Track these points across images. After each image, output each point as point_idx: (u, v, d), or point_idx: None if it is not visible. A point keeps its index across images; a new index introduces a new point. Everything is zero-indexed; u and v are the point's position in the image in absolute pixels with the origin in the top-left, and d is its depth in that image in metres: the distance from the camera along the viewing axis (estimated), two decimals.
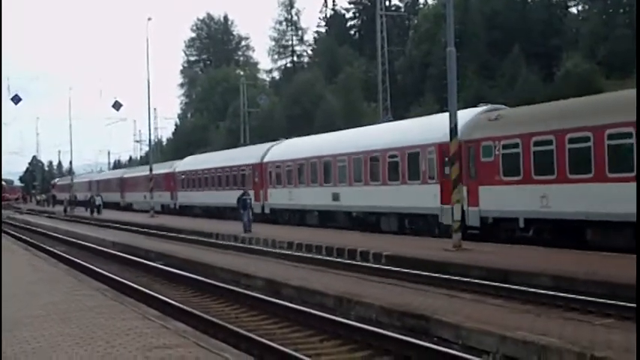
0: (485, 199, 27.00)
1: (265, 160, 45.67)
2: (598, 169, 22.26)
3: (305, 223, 39.63)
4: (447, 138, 25.24)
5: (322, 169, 38.22)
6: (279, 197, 43.24)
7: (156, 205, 61.34)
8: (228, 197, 47.11)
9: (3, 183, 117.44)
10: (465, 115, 28.22)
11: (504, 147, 26.17)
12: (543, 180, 23.96)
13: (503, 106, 30.64)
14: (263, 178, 45.39)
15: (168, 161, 68.67)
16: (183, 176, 60.72)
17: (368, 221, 34.36)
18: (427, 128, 31.54)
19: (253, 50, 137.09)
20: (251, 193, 42.65)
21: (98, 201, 68.12)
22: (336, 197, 36.64)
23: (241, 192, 38.39)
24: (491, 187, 26.73)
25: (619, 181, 21.30)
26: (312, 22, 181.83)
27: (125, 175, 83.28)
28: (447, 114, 25.62)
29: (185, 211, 58.94)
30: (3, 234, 38.65)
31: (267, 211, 44.68)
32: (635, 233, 20.31)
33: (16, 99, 60.30)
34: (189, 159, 64.81)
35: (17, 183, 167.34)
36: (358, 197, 34.74)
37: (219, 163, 53.44)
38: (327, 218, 38.19)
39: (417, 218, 31.09)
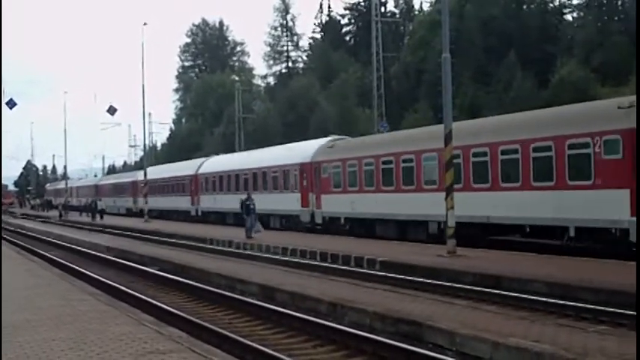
0: (325, 204, 37.60)
1: (199, 172, 56.71)
2: (377, 184, 33.03)
3: (225, 223, 48.80)
4: (306, 160, 39.51)
5: (234, 181, 49.39)
6: (207, 202, 54.42)
7: (121, 209, 71.51)
8: (175, 202, 60.60)
9: None
10: (317, 143, 40.99)
11: (333, 167, 36.99)
12: (353, 191, 34.77)
13: (346, 137, 42.44)
14: (197, 187, 56.29)
15: (132, 171, 77.80)
16: (142, 184, 67.25)
17: (263, 221, 41.16)
18: (294, 152, 42.83)
19: (248, 56, 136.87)
20: (186, 199, 57.24)
21: (100, 206, 67.94)
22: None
23: (245, 197, 37.63)
24: (327, 195, 37.37)
25: (388, 192, 31.95)
26: (307, 27, 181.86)
27: (99, 183, 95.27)
28: (305, 142, 43.84)
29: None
30: None
31: (199, 213, 55.52)
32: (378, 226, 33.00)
33: (11, 103, 59.89)
34: (148, 169, 71.79)
35: (12, 187, 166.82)
36: (256, 202, 41.56)
37: (169, 174, 63.12)
38: (239, 219, 44.33)
39: (288, 218, 41.26)
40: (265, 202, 42.14)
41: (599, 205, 21.20)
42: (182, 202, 58.87)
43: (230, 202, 47.70)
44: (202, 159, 60.91)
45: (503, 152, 25.74)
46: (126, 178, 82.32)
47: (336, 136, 42.37)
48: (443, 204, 24.90)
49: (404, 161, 31.03)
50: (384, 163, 32.49)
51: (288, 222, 40.91)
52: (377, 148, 33.90)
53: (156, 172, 68.61)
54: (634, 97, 21.47)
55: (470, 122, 33.05)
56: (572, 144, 22.85)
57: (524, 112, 28.89)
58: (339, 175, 36.17)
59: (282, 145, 50.25)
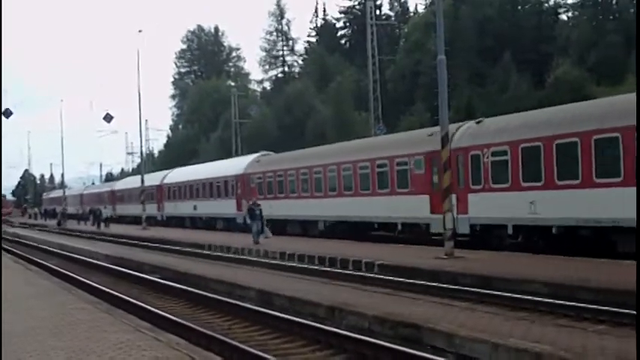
0: None
1: (163, 182, 65.11)
2: (286, 192, 41.68)
3: (183, 226, 57.96)
4: (240, 172, 47.93)
5: (189, 190, 58.04)
6: (169, 209, 63.21)
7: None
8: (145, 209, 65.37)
9: None
10: (248, 159, 49.81)
11: (257, 178, 45.54)
12: (270, 197, 42.76)
13: (272, 153, 50.38)
14: (162, 195, 64.93)
15: (110, 182, 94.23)
16: (119, 193, 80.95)
17: (210, 223, 52.52)
18: (233, 165, 51.59)
19: (244, 61, 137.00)
20: (154, 206, 65.00)
21: (105, 214, 67.90)
22: (195, 208, 56.01)
23: (251, 202, 37.51)
24: None
25: (293, 198, 40.71)
26: (302, 32, 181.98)
27: (84, 192, 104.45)
28: (242, 157, 53.94)
29: (121, 219, 74.90)
30: None
31: (164, 218, 63.81)
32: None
33: (8, 113, 59.98)
34: (124, 180, 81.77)
35: (10, 197, 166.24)
36: (205, 208, 53.98)
37: (138, 184, 67.51)
38: (193, 222, 56.89)
39: (228, 220, 48.89)
40: (211, 207, 52.42)
41: (413, 207, 28.33)
42: (150, 209, 64.98)
43: (187, 208, 57.97)
44: (166, 171, 69.87)
45: (360, 168, 34.58)
46: (105, 187, 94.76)
47: (264, 152, 51.21)
48: (327, 208, 37.04)
49: (302, 174, 40.09)
50: (289, 175, 41.44)
51: (228, 224, 48.56)
52: (286, 163, 42.99)
53: (130, 182, 78.15)
54: (436, 128, 27.46)
55: (355, 142, 42.61)
56: (398, 162, 31.56)
57: (372, 138, 41.71)
58: (261, 185, 44.86)
59: (226, 160, 61.06)
